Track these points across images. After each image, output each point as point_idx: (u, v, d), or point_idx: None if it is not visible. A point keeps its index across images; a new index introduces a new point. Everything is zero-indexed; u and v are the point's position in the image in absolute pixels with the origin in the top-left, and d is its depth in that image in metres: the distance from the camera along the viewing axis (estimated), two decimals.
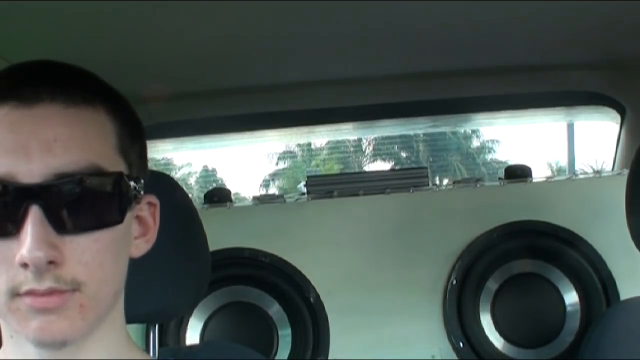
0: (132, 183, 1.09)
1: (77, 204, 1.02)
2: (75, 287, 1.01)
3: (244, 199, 3.25)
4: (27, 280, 0.99)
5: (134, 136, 1.15)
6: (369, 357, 2.75)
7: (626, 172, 1.85)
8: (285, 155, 19.64)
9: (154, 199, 1.20)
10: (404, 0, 2.09)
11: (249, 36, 2.40)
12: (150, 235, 1.20)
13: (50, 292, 0.99)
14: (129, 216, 1.11)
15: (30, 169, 0.99)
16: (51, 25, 2.10)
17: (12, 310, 1.01)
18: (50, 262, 0.98)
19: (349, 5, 2.10)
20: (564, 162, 15.32)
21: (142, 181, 1.14)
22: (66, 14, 2.00)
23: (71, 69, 1.13)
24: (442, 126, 4.12)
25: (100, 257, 1.04)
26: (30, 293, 0.99)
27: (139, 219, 1.17)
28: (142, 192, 1.13)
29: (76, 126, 1.04)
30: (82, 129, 1.04)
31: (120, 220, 1.07)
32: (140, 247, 1.18)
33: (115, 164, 1.07)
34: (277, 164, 19.96)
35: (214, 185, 15.07)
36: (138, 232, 1.18)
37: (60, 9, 1.95)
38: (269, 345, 2.74)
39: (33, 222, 0.98)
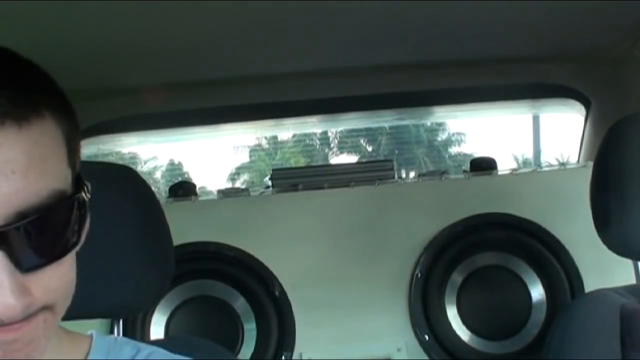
0: (83, 195, 1.01)
1: (41, 239, 0.93)
2: (45, 310, 0.96)
3: (210, 192, 3.24)
4: None
5: (76, 129, 1.04)
6: (334, 350, 2.75)
7: (591, 164, 1.86)
8: (251, 148, 19.61)
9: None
10: None
11: (214, 29, 2.40)
12: (84, 227, 1.08)
13: (20, 326, 0.93)
14: None
15: None
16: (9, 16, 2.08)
17: None
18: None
19: None
20: (529, 155, 15.42)
21: (87, 184, 1.04)
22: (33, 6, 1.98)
23: (8, 60, 0.98)
24: (407, 119, 4.12)
25: (65, 279, 0.99)
26: None
27: None
28: (88, 192, 1.03)
29: (33, 150, 0.92)
30: (39, 152, 0.93)
31: (79, 241, 1.01)
32: (82, 240, 1.08)
33: (67, 179, 0.98)
34: (243, 157, 19.94)
35: (180, 179, 15.01)
36: None
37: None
38: (234, 339, 2.74)
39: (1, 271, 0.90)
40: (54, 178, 0.94)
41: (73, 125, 1.02)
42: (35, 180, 0.91)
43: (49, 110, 0.96)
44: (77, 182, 1.01)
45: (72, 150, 1.01)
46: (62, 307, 1.01)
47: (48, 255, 0.95)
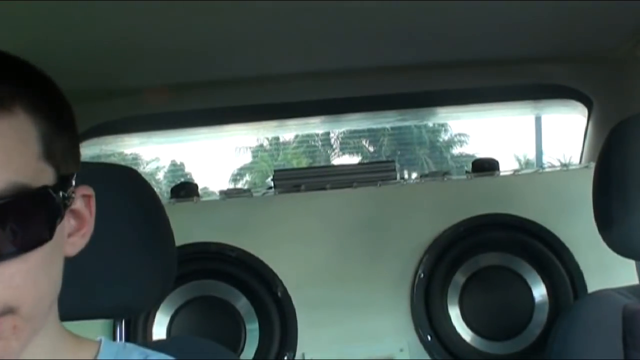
0: (60, 193, 1.00)
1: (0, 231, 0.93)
2: (7, 311, 0.94)
3: (213, 193, 3.24)
4: None
5: (60, 131, 1.03)
6: (336, 351, 2.75)
7: (593, 165, 1.86)
8: (254, 149, 19.61)
9: (88, 189, 1.10)
10: None
11: (216, 30, 2.40)
12: (86, 228, 1.10)
13: None
14: (60, 225, 1.02)
15: None
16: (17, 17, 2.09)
17: None
18: None
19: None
20: (531, 156, 15.41)
21: (73, 178, 1.05)
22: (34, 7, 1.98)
23: None
24: (409, 120, 4.12)
25: (31, 277, 0.96)
26: None
27: (73, 213, 1.08)
28: (72, 192, 1.04)
29: None
30: (1, 144, 0.94)
31: (49, 238, 0.98)
32: (77, 243, 1.09)
33: (39, 174, 0.98)
34: (245, 158, 19.94)
35: (182, 180, 15.03)
36: (73, 227, 1.09)
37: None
38: (236, 339, 2.74)
39: None
40: (16, 171, 0.94)
41: (54, 124, 1.02)
42: None
43: (22, 106, 0.97)
44: (63, 181, 1.01)
45: (52, 150, 1.00)
46: (33, 313, 0.98)
47: (8, 249, 0.94)
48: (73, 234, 1.09)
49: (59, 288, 1.06)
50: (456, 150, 20.53)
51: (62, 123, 1.05)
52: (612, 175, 1.75)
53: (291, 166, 15.05)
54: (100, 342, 1.20)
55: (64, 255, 1.06)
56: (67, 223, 1.06)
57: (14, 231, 0.94)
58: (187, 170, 18.22)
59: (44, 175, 0.99)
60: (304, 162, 17.61)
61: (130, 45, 2.48)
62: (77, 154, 1.09)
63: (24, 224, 0.95)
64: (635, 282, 1.87)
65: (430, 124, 17.71)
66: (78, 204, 1.08)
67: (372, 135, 18.35)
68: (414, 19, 2.42)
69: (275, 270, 2.77)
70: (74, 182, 1.05)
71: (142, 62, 2.69)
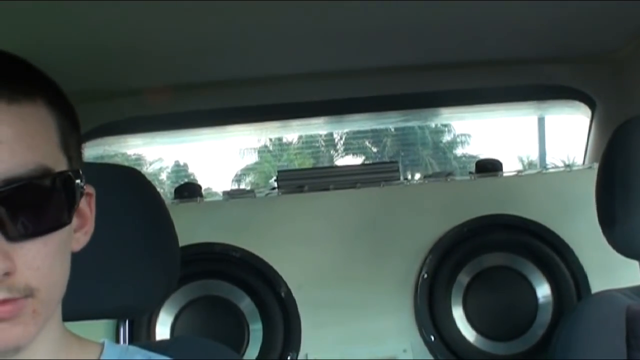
0: (77, 181, 1.04)
1: (26, 209, 0.97)
2: (28, 294, 0.97)
3: (216, 194, 3.24)
4: None
5: (72, 128, 1.09)
6: (340, 351, 2.75)
7: (596, 165, 1.86)
8: (257, 150, 19.62)
9: (89, 188, 1.13)
10: None
11: (219, 31, 2.40)
12: (88, 226, 1.14)
13: (3, 302, 0.95)
14: (75, 211, 1.06)
15: None
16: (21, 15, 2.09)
17: None
18: (5, 274, 0.94)
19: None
20: (535, 156, 15.39)
21: (81, 173, 1.07)
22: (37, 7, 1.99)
23: (7, 59, 1.05)
24: (412, 120, 4.11)
25: (50, 261, 1.00)
26: None
27: (77, 211, 1.09)
28: (82, 187, 1.07)
29: (20, 125, 0.98)
30: (27, 128, 0.98)
31: (69, 221, 1.03)
32: (80, 240, 1.13)
33: (59, 161, 1.02)
34: (248, 158, 19.95)
35: (186, 180, 15.02)
36: (77, 224, 1.11)
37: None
38: (239, 339, 2.74)
39: None
40: (41, 154, 0.99)
41: (69, 122, 1.07)
42: (22, 152, 0.97)
43: (42, 99, 1.03)
44: (74, 173, 1.05)
45: (67, 143, 1.06)
46: (49, 298, 1.01)
47: (33, 228, 0.98)
48: (77, 230, 1.11)
49: (67, 279, 1.08)
50: (459, 151, 20.54)
51: (74, 121, 1.10)
52: (616, 176, 1.75)
53: (294, 167, 15.06)
54: (102, 344, 1.20)
55: (71, 251, 1.09)
56: (74, 220, 1.08)
57: (40, 212, 0.99)
58: (190, 170, 18.24)
59: (62, 165, 1.03)
60: (308, 163, 17.60)
61: (134, 46, 2.48)
62: (82, 154, 1.13)
63: (48, 205, 1.00)
64: (638, 282, 1.87)
65: (434, 125, 17.68)
66: (81, 202, 1.09)
67: (376, 136, 18.36)
68: (417, 19, 2.42)
69: (278, 271, 2.77)
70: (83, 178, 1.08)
71: (146, 63, 2.69)
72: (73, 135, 1.08)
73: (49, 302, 1.01)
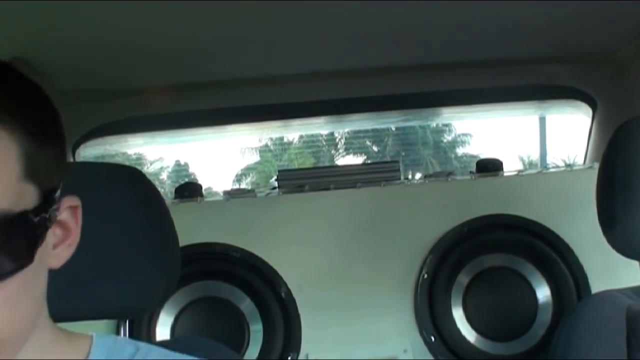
0: (42, 214, 0.96)
1: None
2: None
3: (216, 193, 3.24)
4: None
5: (44, 143, 0.98)
6: (340, 351, 2.75)
7: (597, 165, 1.86)
8: (258, 149, 19.64)
9: (74, 200, 1.06)
10: None
11: (219, 31, 2.40)
12: (71, 238, 1.06)
13: None
14: (42, 245, 0.98)
15: None
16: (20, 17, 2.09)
17: None
18: None
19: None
20: (535, 156, 15.41)
21: (58, 190, 1.01)
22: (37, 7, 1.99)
23: None
24: (413, 120, 4.11)
25: (10, 303, 0.93)
26: None
27: (59, 223, 1.03)
28: (56, 209, 1.00)
29: None
30: None
31: (29, 262, 0.94)
32: (62, 255, 1.05)
33: (20, 196, 0.93)
34: (249, 158, 19.97)
35: (186, 180, 15.03)
36: (58, 238, 1.05)
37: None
38: (240, 340, 2.74)
39: None
40: None
41: (37, 139, 0.97)
42: None
43: (2, 127, 0.92)
44: (46, 199, 0.98)
45: (34, 167, 0.96)
46: (14, 335, 0.96)
47: None
48: (59, 244, 1.05)
49: (43, 303, 1.04)
50: (460, 151, 20.56)
51: (47, 135, 1.00)
52: (616, 176, 1.75)
53: (295, 166, 15.06)
54: (91, 337, 1.17)
55: (47, 269, 1.03)
56: (52, 234, 1.02)
57: None
58: (191, 170, 18.26)
59: (26, 197, 0.95)
60: (308, 163, 17.62)
61: (134, 46, 2.48)
62: (63, 163, 1.06)
63: (3, 250, 0.91)
64: (639, 282, 1.87)
65: (435, 125, 17.71)
66: (64, 215, 1.04)
67: (376, 135, 18.37)
68: (418, 19, 2.42)
69: (279, 271, 2.77)
70: (58, 193, 1.02)
71: (147, 63, 2.69)
72: (45, 152, 0.99)
73: (11, 338, 0.96)
